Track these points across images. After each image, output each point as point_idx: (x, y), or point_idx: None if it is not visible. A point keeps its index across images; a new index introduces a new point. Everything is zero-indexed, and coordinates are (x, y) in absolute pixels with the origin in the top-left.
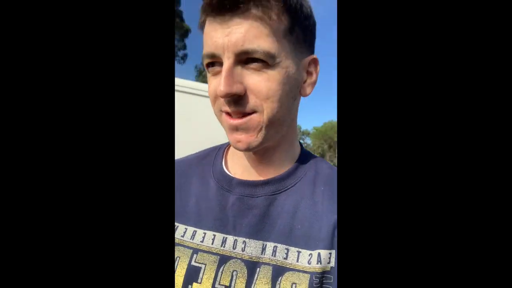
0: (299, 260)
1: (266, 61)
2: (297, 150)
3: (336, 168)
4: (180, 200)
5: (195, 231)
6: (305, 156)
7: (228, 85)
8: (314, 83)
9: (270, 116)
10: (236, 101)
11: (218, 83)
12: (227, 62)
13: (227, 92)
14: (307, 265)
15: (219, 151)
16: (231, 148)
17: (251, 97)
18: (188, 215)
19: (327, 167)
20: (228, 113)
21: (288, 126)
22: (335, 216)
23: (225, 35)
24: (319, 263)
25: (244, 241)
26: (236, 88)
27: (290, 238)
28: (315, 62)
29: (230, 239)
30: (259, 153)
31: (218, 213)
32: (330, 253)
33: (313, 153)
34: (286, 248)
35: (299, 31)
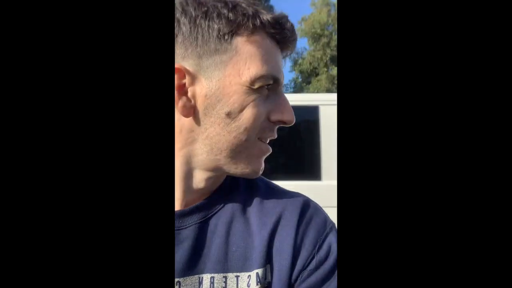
0: (239, 285)
1: None
2: None
3: (262, 177)
4: None
5: None
6: None
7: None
8: None
9: None
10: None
11: (270, 108)
12: (282, 90)
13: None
14: None
15: None
16: None
17: None
18: None
19: (257, 180)
20: (262, 140)
21: None
22: (267, 228)
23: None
24: (258, 283)
25: (178, 282)
26: None
27: (227, 264)
28: None
29: None
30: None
31: None
32: (266, 269)
33: None
34: (224, 276)
35: None
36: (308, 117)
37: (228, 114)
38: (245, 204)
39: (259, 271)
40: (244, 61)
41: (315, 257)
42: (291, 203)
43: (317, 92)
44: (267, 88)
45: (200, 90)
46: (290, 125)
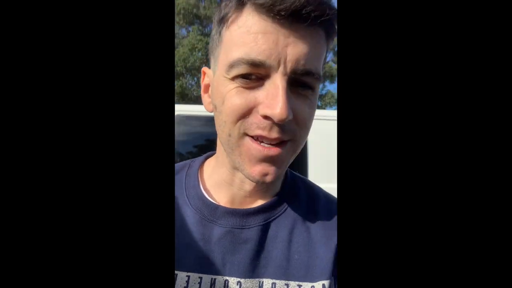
0: None
1: (313, 87)
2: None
3: (321, 188)
4: None
5: (176, 274)
6: (293, 177)
7: (288, 109)
8: None
9: (300, 144)
10: (281, 127)
11: (254, 100)
12: (283, 79)
13: (287, 117)
14: None
15: (191, 170)
16: (209, 167)
17: (292, 124)
18: None
19: (316, 188)
20: (256, 139)
21: None
22: (333, 240)
23: (285, 45)
24: None
25: (238, 282)
26: (291, 113)
27: (289, 271)
28: None
29: (220, 280)
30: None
31: (202, 250)
32: (331, 281)
33: None
34: (285, 284)
35: None
36: None
37: (215, 107)
38: (306, 213)
39: (326, 283)
40: (225, 49)
41: None
42: None
43: None
44: (254, 77)
45: (211, 86)
46: (281, 123)
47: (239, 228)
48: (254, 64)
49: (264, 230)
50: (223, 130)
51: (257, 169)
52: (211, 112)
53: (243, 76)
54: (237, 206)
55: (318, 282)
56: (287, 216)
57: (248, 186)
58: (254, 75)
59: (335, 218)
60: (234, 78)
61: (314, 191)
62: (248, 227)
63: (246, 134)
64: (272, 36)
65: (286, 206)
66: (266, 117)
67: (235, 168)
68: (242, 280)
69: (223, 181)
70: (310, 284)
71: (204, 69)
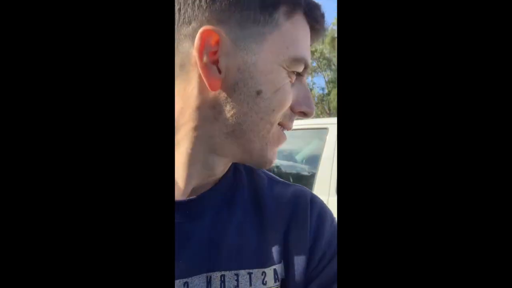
0: (252, 283)
1: None
2: None
3: (265, 171)
4: None
5: None
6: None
7: None
8: None
9: None
10: None
11: (295, 97)
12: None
13: None
14: (262, 286)
15: None
16: None
17: None
18: None
19: (258, 172)
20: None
21: None
22: (281, 224)
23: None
24: (276, 281)
25: (185, 282)
26: None
27: (239, 260)
28: None
29: None
30: (217, 161)
31: None
32: (281, 265)
33: None
34: (235, 274)
35: None
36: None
37: (259, 93)
38: (253, 198)
39: (277, 267)
40: (284, 38)
41: (327, 252)
42: (299, 198)
43: None
44: (296, 74)
45: (234, 62)
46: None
47: (184, 222)
48: (306, 64)
49: (213, 218)
50: (264, 118)
51: (273, 152)
52: (214, 90)
53: (295, 73)
54: (180, 193)
55: (269, 268)
56: (233, 203)
57: (214, 173)
58: (294, 73)
59: (282, 199)
60: (290, 72)
61: (257, 174)
62: (192, 219)
63: (278, 124)
64: (308, 42)
65: (231, 192)
66: (298, 113)
67: (226, 155)
68: (189, 280)
69: (187, 176)
70: (261, 270)
71: (214, 30)
